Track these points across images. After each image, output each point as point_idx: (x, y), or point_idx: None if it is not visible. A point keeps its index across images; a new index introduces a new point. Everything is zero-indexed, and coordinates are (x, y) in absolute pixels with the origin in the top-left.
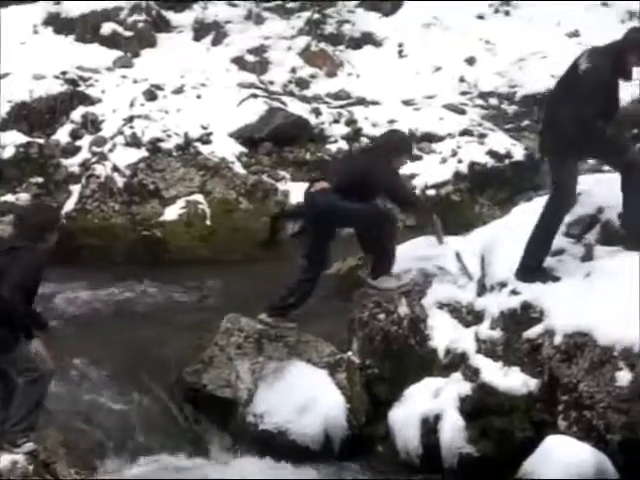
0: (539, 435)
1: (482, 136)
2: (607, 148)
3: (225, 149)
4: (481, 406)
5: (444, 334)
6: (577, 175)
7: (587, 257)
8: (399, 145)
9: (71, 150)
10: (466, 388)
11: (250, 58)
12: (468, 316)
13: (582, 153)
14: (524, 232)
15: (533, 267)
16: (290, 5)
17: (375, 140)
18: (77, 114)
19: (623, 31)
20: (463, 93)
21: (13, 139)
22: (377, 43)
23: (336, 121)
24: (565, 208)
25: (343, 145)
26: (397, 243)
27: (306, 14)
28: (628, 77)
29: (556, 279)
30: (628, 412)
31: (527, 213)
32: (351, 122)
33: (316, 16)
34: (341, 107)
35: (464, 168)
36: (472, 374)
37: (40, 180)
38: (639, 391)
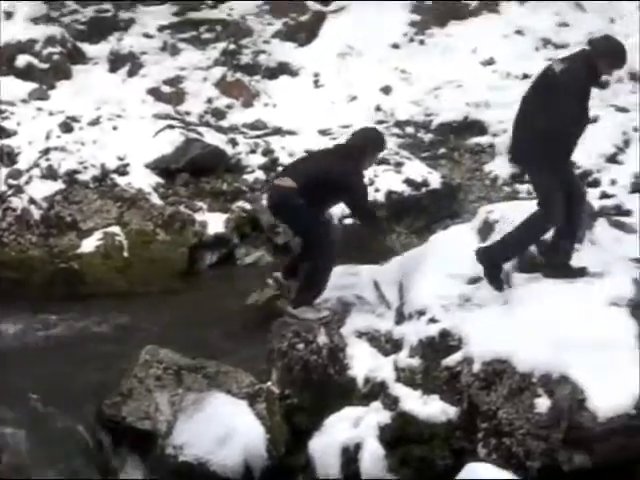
0: (459, 462)
1: (399, 165)
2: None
3: (142, 180)
4: (401, 434)
5: (363, 363)
6: (557, 185)
7: (505, 284)
8: (375, 142)
9: None
10: (386, 417)
11: (166, 89)
12: (387, 345)
13: (558, 161)
14: (442, 260)
15: (492, 264)
16: (205, 36)
17: (348, 138)
18: None
19: (538, 59)
20: (379, 122)
21: None
22: (293, 73)
23: (253, 151)
24: (547, 224)
25: (260, 175)
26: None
27: (222, 44)
28: (600, 85)
29: (500, 288)
30: (547, 439)
31: (444, 241)
32: (268, 152)
33: (232, 46)
34: (258, 137)
35: (381, 197)
36: (391, 403)
37: None
38: (558, 417)
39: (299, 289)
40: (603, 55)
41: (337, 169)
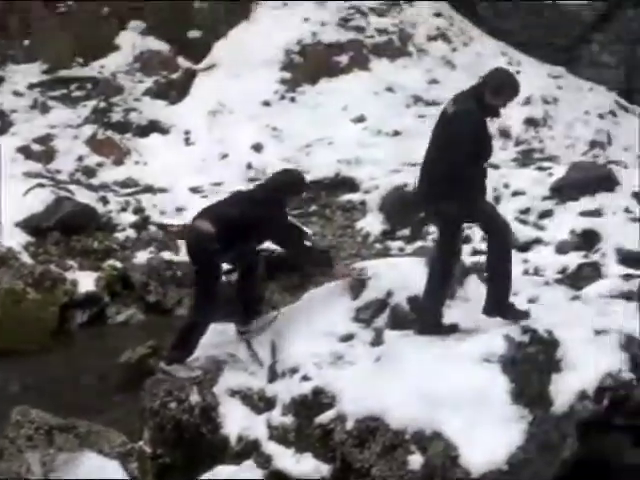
0: None
1: None
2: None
3: (12, 239)
4: None
5: (236, 421)
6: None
7: (377, 341)
8: (295, 183)
9: None
10: (258, 475)
11: (36, 147)
12: (260, 403)
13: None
14: (314, 317)
15: (503, 304)
16: (76, 94)
17: (268, 179)
18: None
19: (409, 115)
20: (251, 180)
21: None
22: (164, 131)
23: (124, 209)
24: (509, 244)
25: (131, 233)
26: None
27: (92, 102)
28: (496, 115)
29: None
30: None
31: (317, 298)
32: (139, 210)
33: (102, 104)
34: (129, 195)
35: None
36: (264, 461)
37: None
38: (431, 474)
39: (172, 346)
40: (491, 87)
41: (255, 212)
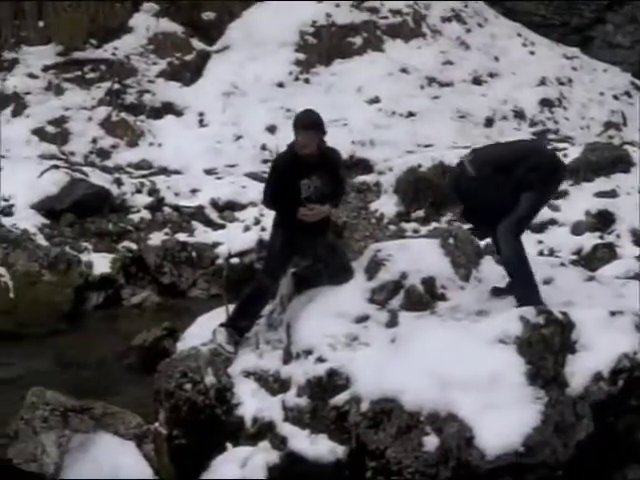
0: None
1: None
2: None
3: (27, 221)
4: (289, 474)
5: (251, 403)
6: None
7: (392, 323)
8: None
9: None
10: (274, 457)
11: (51, 129)
12: (275, 384)
13: None
14: (329, 299)
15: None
16: (90, 76)
17: None
18: None
19: (423, 97)
20: (265, 161)
21: None
22: (178, 112)
23: (138, 191)
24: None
25: (146, 215)
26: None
27: (106, 84)
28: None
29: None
30: (435, 477)
31: None
32: (153, 192)
33: (116, 86)
34: (143, 177)
35: (267, 236)
36: (280, 442)
37: None
38: (446, 456)
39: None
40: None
41: None
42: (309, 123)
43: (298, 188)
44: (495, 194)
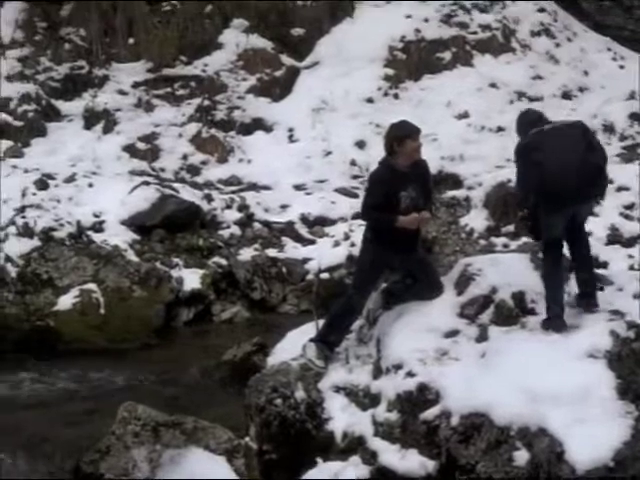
0: None
1: None
2: None
3: (118, 237)
4: None
5: (341, 418)
6: None
7: (482, 337)
8: None
9: None
10: (364, 472)
11: (141, 145)
12: (365, 399)
13: None
14: (419, 314)
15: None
16: (180, 92)
17: None
18: None
19: (512, 112)
20: (354, 177)
21: None
22: (267, 128)
23: (228, 207)
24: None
25: (236, 230)
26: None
27: (196, 101)
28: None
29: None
30: None
31: None
32: (243, 207)
33: (206, 102)
34: (233, 193)
35: (357, 251)
36: (370, 457)
37: None
38: (537, 470)
39: None
40: None
41: None
42: (419, 129)
43: (397, 200)
44: None
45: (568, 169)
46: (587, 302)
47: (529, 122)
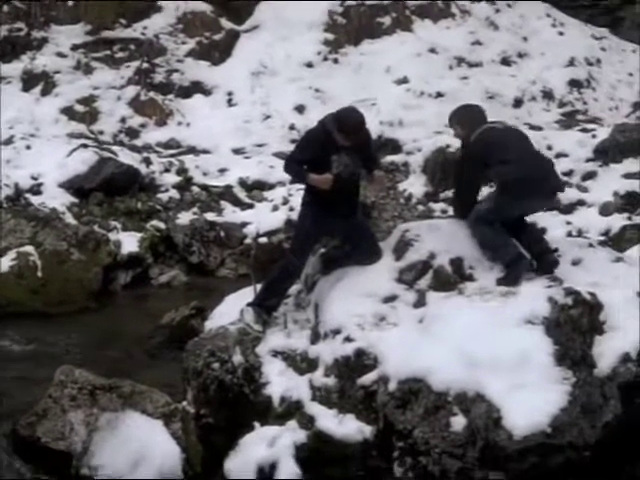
0: None
1: None
2: None
3: (56, 200)
4: (317, 454)
5: (279, 382)
6: None
7: (420, 303)
8: None
9: None
10: (301, 436)
11: (80, 108)
12: (302, 364)
13: None
14: (357, 279)
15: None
16: (119, 55)
17: None
18: None
19: (451, 77)
20: (293, 141)
21: None
22: (206, 92)
23: (167, 170)
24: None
25: (174, 194)
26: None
27: (135, 64)
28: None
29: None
30: (463, 457)
31: None
32: (182, 171)
33: (145, 65)
34: (172, 156)
35: (295, 216)
36: (307, 422)
37: None
38: (473, 436)
39: None
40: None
41: None
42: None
43: (327, 164)
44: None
45: (540, 168)
46: (549, 260)
47: (477, 118)
